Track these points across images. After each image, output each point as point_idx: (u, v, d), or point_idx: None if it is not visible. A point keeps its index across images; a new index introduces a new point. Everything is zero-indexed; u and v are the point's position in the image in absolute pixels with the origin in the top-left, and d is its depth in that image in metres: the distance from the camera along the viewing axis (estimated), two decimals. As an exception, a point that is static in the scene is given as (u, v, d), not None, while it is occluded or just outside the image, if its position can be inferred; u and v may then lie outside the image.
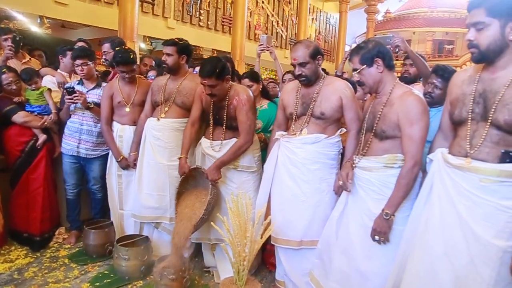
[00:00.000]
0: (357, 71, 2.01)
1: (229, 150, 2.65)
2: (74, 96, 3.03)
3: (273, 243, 2.54)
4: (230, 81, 2.70)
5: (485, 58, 1.59)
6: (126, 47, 3.22)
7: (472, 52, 1.60)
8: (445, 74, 2.48)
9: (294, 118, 2.49)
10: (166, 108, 2.95)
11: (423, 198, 1.80)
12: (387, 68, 1.99)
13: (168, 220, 2.98)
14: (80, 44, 3.72)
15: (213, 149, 2.74)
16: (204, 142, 2.83)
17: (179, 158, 2.76)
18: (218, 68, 2.52)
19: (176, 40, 2.91)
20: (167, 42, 2.90)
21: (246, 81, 3.33)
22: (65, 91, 3.06)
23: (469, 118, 1.63)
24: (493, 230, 1.53)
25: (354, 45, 2.32)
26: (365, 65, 1.98)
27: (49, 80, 3.46)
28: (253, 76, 3.36)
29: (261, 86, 3.40)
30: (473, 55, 1.60)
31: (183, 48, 2.91)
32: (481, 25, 1.54)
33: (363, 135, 2.11)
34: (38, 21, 6.16)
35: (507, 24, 1.50)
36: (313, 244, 2.39)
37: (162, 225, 3.05)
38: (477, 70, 1.67)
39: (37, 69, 3.45)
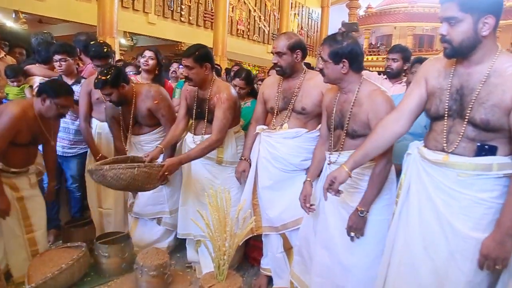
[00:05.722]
0: (323, 62, 1.99)
1: (198, 145, 2.59)
2: None
3: (265, 233, 2.59)
4: (214, 76, 2.69)
5: (458, 54, 1.55)
6: (100, 41, 3.18)
7: (445, 47, 1.56)
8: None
9: (275, 113, 2.49)
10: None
11: (404, 193, 1.79)
12: (352, 70, 1.96)
13: (168, 213, 3.04)
14: None
15: (194, 143, 2.72)
16: (189, 137, 2.82)
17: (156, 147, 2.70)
18: (199, 52, 2.51)
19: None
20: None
21: (242, 83, 3.32)
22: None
23: (446, 115, 1.61)
24: (470, 223, 1.54)
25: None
26: (331, 61, 1.95)
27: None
28: (249, 79, 3.40)
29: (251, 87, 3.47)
30: (446, 50, 1.55)
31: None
32: (453, 20, 1.49)
33: (332, 131, 2.10)
34: (13, 16, 6.01)
35: (479, 19, 1.45)
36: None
37: (163, 220, 3.08)
38: (451, 62, 1.64)
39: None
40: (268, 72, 3.71)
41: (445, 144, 1.61)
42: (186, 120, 2.83)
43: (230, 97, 2.61)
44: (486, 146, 1.51)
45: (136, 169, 2.30)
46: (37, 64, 3.50)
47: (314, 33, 14.57)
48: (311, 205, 2.15)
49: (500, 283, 1.57)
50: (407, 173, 1.80)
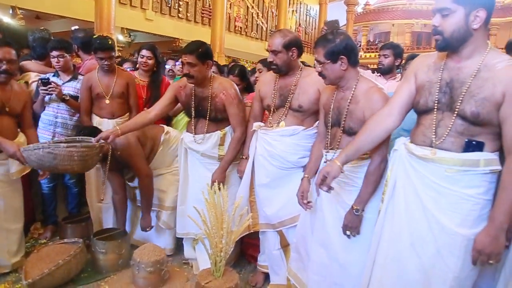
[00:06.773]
0: (320, 64, 1.98)
1: (229, 147, 2.64)
2: (49, 87, 2.96)
3: (262, 230, 2.60)
4: (213, 73, 2.68)
5: (449, 46, 1.56)
6: (104, 34, 3.18)
7: (437, 39, 1.57)
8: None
9: (272, 110, 2.49)
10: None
11: (390, 190, 1.80)
12: (351, 65, 1.97)
13: (166, 209, 3.03)
14: None
15: (196, 142, 2.71)
16: (187, 136, 2.79)
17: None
18: (201, 49, 2.50)
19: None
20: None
21: (236, 80, 3.34)
22: (39, 82, 2.99)
23: (435, 108, 1.62)
24: (457, 219, 1.55)
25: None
26: (329, 61, 1.94)
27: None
28: (243, 75, 3.43)
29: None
30: (437, 42, 1.57)
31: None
32: (446, 11, 1.51)
33: (329, 129, 2.11)
34: (10, 11, 5.99)
35: (471, 12, 1.48)
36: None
37: (162, 219, 3.05)
38: (441, 57, 1.66)
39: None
40: (256, 65, 3.74)
41: (434, 137, 1.62)
42: (159, 112, 2.72)
43: (237, 91, 2.68)
44: (474, 142, 1.53)
45: (41, 149, 2.36)
46: (32, 60, 3.49)
47: (312, 30, 14.57)
48: (308, 202, 2.16)
49: (500, 283, 1.60)
50: (393, 169, 1.81)
